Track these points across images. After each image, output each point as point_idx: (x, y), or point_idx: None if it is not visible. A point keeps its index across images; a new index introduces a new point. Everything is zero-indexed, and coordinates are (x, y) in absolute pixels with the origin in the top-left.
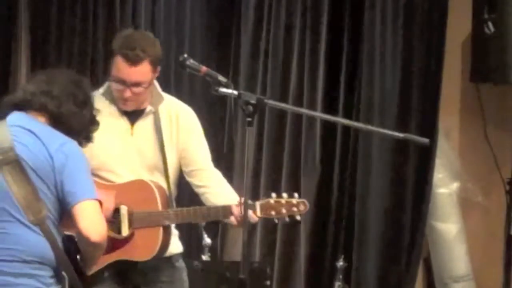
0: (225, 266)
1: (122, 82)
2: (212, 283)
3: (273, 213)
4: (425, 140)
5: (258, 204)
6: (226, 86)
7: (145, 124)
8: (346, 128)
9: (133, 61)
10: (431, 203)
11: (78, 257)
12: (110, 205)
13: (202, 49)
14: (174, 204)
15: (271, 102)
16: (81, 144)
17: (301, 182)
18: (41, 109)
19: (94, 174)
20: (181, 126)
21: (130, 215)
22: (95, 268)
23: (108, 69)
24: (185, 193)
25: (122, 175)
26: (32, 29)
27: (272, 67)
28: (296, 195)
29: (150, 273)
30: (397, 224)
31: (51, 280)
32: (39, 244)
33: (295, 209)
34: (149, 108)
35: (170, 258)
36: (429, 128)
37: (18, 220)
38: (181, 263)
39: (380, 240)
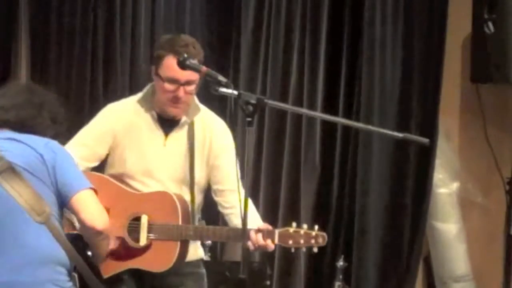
0: (225, 266)
1: (175, 81)
2: (212, 283)
3: (290, 242)
4: (425, 140)
5: (276, 232)
6: (226, 86)
7: (179, 135)
8: (346, 128)
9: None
10: (431, 203)
11: (89, 253)
12: (124, 215)
13: (202, 49)
14: (200, 214)
15: (271, 102)
16: None
17: (301, 182)
18: (2, 124)
19: (118, 178)
20: (214, 142)
21: (150, 225)
22: (109, 273)
23: (108, 71)
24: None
25: (149, 185)
26: (32, 29)
27: (272, 67)
28: (316, 227)
29: (168, 277)
30: (397, 224)
31: (69, 284)
32: (52, 245)
33: (313, 241)
34: (184, 119)
35: (191, 263)
36: (429, 128)
37: (26, 224)
38: (201, 269)
39: (380, 240)
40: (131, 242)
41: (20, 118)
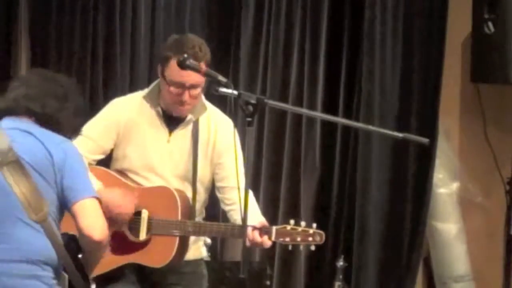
0: (225, 266)
1: (181, 85)
2: (212, 283)
3: (287, 239)
4: (425, 140)
5: (274, 229)
6: (226, 86)
7: (183, 132)
8: (346, 128)
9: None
10: (431, 203)
11: (79, 256)
12: (130, 209)
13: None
14: (204, 212)
15: (271, 102)
16: (71, 139)
17: (301, 182)
18: (27, 113)
19: (121, 173)
20: (218, 140)
21: (150, 220)
22: (108, 268)
23: (108, 71)
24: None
25: (152, 180)
26: (32, 29)
27: (272, 67)
28: (314, 225)
29: (168, 275)
30: (397, 224)
31: (53, 281)
32: (42, 243)
33: (310, 239)
34: (189, 116)
35: (191, 262)
36: (429, 128)
37: (22, 220)
38: (202, 269)
39: (380, 240)
40: (131, 237)
41: (46, 111)
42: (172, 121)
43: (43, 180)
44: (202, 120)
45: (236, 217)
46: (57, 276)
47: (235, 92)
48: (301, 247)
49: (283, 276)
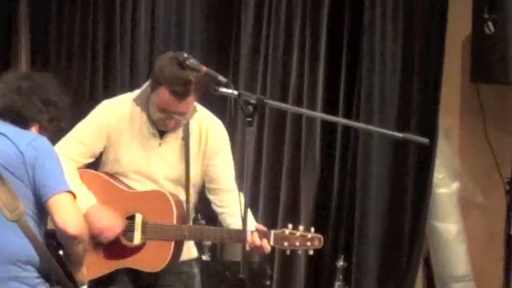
0: (225, 266)
1: (167, 112)
2: (212, 283)
3: (286, 244)
4: (425, 140)
5: (272, 233)
6: (226, 86)
7: (174, 136)
8: (346, 128)
9: (183, 96)
10: (431, 203)
11: (61, 253)
12: (116, 231)
13: (202, 49)
14: (193, 213)
15: (271, 102)
16: (48, 127)
17: (301, 182)
18: None
19: (113, 177)
20: (209, 142)
21: (144, 224)
22: (102, 273)
23: (109, 71)
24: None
25: (144, 184)
26: (32, 29)
27: (272, 67)
28: (312, 229)
29: (162, 276)
30: (397, 224)
31: (37, 281)
32: (20, 243)
33: (309, 243)
34: None
35: (184, 262)
36: (429, 128)
37: None
38: (194, 269)
39: (380, 240)
40: (125, 241)
41: (8, 105)
42: None
43: (16, 179)
44: (193, 123)
45: (230, 221)
46: (43, 275)
47: (235, 92)
48: (300, 252)
49: (283, 276)
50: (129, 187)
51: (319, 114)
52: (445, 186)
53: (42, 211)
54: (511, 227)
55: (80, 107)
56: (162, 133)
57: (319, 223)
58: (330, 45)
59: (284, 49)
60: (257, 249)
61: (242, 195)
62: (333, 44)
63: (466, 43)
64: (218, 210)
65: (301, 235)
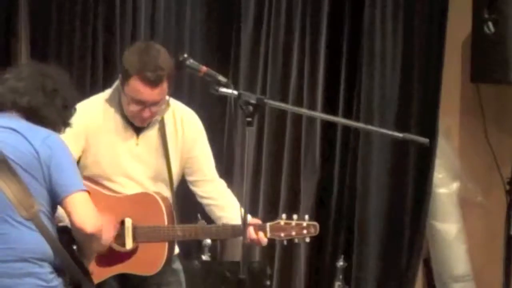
0: (225, 266)
1: (141, 103)
2: (212, 283)
3: (282, 234)
4: (425, 140)
5: (268, 225)
6: (226, 86)
7: (150, 133)
8: (346, 128)
9: (155, 82)
10: (431, 203)
11: (74, 247)
12: (108, 241)
13: (202, 49)
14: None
15: (271, 102)
16: (60, 131)
17: (301, 182)
18: (13, 107)
19: (96, 182)
20: (186, 135)
21: (135, 228)
22: (97, 280)
23: (109, 71)
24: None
25: (125, 185)
26: (32, 29)
27: (272, 67)
28: (306, 217)
29: (150, 276)
30: (397, 224)
31: (51, 276)
32: (35, 240)
33: (305, 231)
34: (154, 117)
35: (169, 260)
36: (429, 128)
37: (12, 219)
38: (178, 265)
39: (380, 240)
40: (117, 247)
41: (32, 105)
42: None
43: (31, 178)
44: (168, 117)
45: (219, 214)
46: (57, 270)
47: (235, 92)
48: (296, 240)
49: (283, 276)
50: (115, 192)
51: (319, 114)
52: (445, 186)
53: (54, 208)
54: (511, 227)
55: None
56: (138, 132)
57: (319, 223)
58: (330, 45)
59: (284, 49)
60: (253, 242)
61: (223, 182)
62: (333, 44)
63: (466, 43)
64: (203, 201)
65: (297, 224)
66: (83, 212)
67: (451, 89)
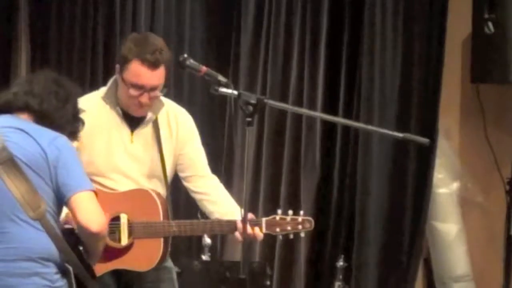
0: (225, 266)
1: (141, 87)
2: (212, 283)
3: (278, 229)
4: (425, 140)
5: (263, 220)
6: (226, 86)
7: (145, 131)
8: (346, 128)
9: (154, 64)
10: (431, 203)
11: (81, 248)
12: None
13: (202, 49)
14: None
15: (271, 102)
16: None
17: (301, 182)
18: (24, 108)
19: (92, 180)
20: (179, 132)
21: (130, 224)
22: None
23: (109, 71)
24: (181, 196)
25: (120, 182)
26: (32, 29)
27: (272, 67)
28: (301, 212)
29: (144, 274)
30: (397, 224)
31: (56, 276)
32: (42, 240)
33: (300, 226)
34: (149, 115)
35: (164, 256)
36: (429, 128)
37: (19, 218)
38: (170, 263)
39: (380, 240)
40: (112, 243)
41: (44, 109)
42: (132, 120)
43: (38, 178)
44: (161, 116)
45: (211, 208)
46: (61, 271)
47: (235, 92)
48: (291, 236)
49: (283, 276)
50: (107, 188)
51: (319, 114)
52: (445, 186)
53: (59, 209)
54: (511, 227)
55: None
56: (132, 130)
57: (319, 223)
58: (330, 45)
59: (284, 49)
60: (249, 238)
61: (216, 178)
62: (333, 44)
63: (466, 43)
64: (196, 196)
65: (292, 219)
66: (89, 211)
67: (451, 89)
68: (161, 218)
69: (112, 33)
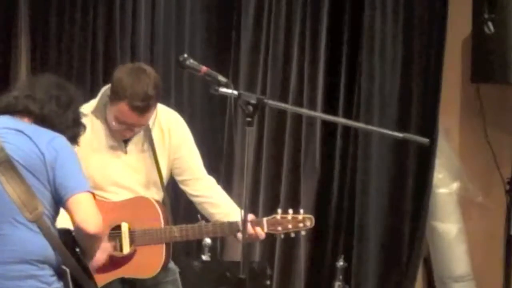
0: (225, 266)
1: (128, 125)
2: (212, 283)
3: (279, 228)
4: (425, 140)
5: (265, 220)
6: (226, 86)
7: (137, 140)
8: (346, 128)
9: (143, 110)
10: (431, 203)
11: (77, 250)
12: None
13: (202, 49)
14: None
15: (271, 102)
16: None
17: (301, 182)
18: (24, 111)
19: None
20: (172, 137)
21: (131, 232)
22: (99, 285)
23: (109, 71)
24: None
25: (118, 193)
26: (32, 29)
27: (272, 67)
28: (302, 211)
29: (149, 279)
30: (397, 224)
31: (52, 279)
32: (38, 243)
33: (301, 224)
34: None
35: (167, 261)
36: (429, 128)
37: (16, 220)
38: (172, 264)
39: (380, 240)
40: (114, 252)
41: (44, 113)
42: None
43: (36, 179)
44: (152, 121)
45: (211, 210)
46: (57, 273)
47: (235, 92)
48: (293, 234)
49: (283, 276)
50: (109, 200)
51: (319, 114)
52: (445, 186)
53: (56, 211)
54: (511, 227)
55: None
56: (126, 140)
57: (319, 223)
58: (330, 45)
59: (284, 49)
60: (251, 238)
61: (212, 179)
62: (333, 44)
63: (466, 43)
64: (195, 199)
65: (293, 218)
66: (86, 212)
67: (451, 89)
68: (162, 225)
69: (112, 33)
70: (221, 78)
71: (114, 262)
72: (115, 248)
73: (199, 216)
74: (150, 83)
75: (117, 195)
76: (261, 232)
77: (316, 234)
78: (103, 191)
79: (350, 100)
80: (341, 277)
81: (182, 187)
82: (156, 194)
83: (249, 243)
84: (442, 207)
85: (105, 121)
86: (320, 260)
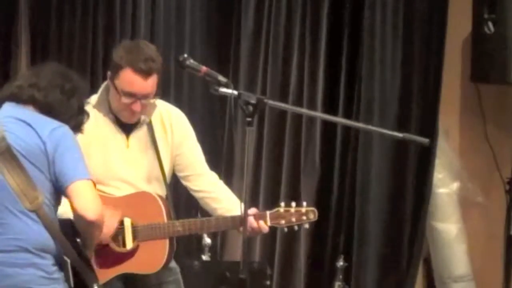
0: (225, 266)
1: (133, 95)
2: (212, 283)
3: (282, 222)
4: (425, 140)
5: (268, 213)
6: (226, 86)
7: (139, 135)
8: (346, 128)
9: (147, 73)
10: (431, 203)
11: (78, 240)
12: (112, 229)
13: (202, 49)
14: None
15: (271, 102)
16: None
17: (301, 182)
18: (29, 100)
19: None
20: (174, 132)
21: (134, 227)
22: (101, 282)
23: (107, 73)
24: (182, 196)
25: (120, 188)
26: (32, 29)
27: (272, 67)
28: (304, 203)
29: (147, 275)
30: (397, 224)
31: (53, 268)
32: (38, 232)
33: (304, 217)
34: (143, 118)
35: (170, 257)
36: (429, 128)
37: (17, 209)
38: (174, 263)
39: (380, 240)
40: (117, 248)
41: (48, 101)
42: (127, 125)
43: (36, 169)
44: (155, 118)
45: (214, 205)
46: (58, 263)
47: (235, 92)
48: (296, 227)
49: (283, 276)
50: (109, 194)
51: (319, 114)
52: (445, 186)
53: (57, 200)
54: (511, 227)
55: None
56: (128, 135)
57: (319, 223)
58: (330, 45)
59: (284, 49)
60: (254, 231)
61: (215, 174)
62: (333, 44)
63: (466, 43)
64: (197, 195)
65: (296, 211)
66: (85, 199)
67: (451, 89)
68: (165, 220)
69: (112, 34)
70: (221, 78)
71: (117, 257)
72: (118, 244)
73: (198, 212)
74: (148, 49)
75: (119, 190)
76: (264, 226)
77: (316, 234)
78: (105, 185)
79: (350, 100)
80: (341, 277)
81: (184, 183)
82: (158, 189)
83: (249, 241)
84: (442, 207)
85: (107, 115)
86: (320, 260)
